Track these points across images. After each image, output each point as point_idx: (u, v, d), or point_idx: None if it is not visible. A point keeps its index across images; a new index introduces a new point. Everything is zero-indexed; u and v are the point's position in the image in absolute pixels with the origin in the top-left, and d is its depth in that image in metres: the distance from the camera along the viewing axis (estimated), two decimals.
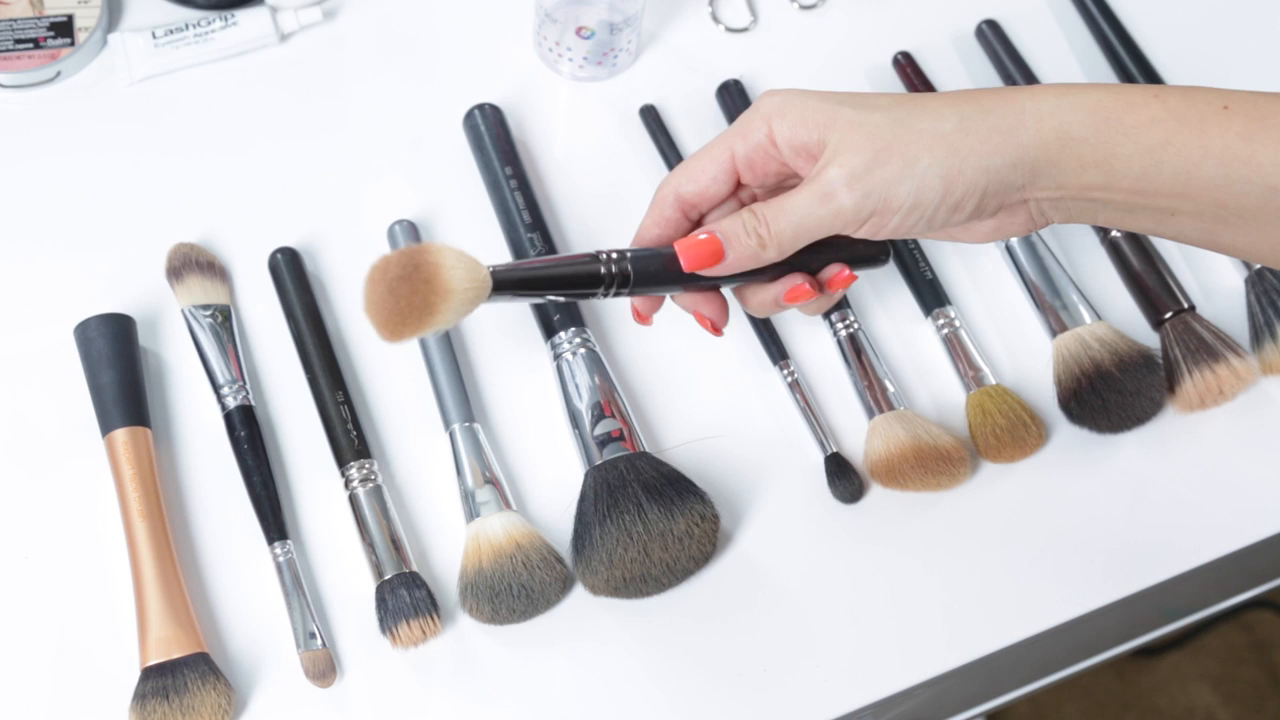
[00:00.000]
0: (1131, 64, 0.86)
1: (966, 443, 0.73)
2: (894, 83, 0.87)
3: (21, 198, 0.80)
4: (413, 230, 0.78)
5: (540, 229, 0.77)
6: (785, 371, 0.75)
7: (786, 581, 0.70)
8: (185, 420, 0.73)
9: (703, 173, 0.62)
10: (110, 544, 0.69)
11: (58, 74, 0.84)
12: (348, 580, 0.69)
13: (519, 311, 0.76)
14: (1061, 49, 0.89)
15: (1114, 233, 0.79)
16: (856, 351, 0.75)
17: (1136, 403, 0.73)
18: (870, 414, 0.73)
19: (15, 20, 0.84)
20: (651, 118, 0.84)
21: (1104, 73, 0.88)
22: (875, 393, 0.73)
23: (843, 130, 0.58)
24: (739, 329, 0.77)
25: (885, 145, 0.58)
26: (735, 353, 0.76)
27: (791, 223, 0.59)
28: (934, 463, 0.70)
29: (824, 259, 0.64)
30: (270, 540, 0.68)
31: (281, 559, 0.68)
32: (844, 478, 0.71)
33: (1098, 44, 0.89)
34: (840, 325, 0.76)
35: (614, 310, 0.78)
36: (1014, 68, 0.86)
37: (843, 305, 0.76)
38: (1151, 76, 0.86)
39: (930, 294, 0.77)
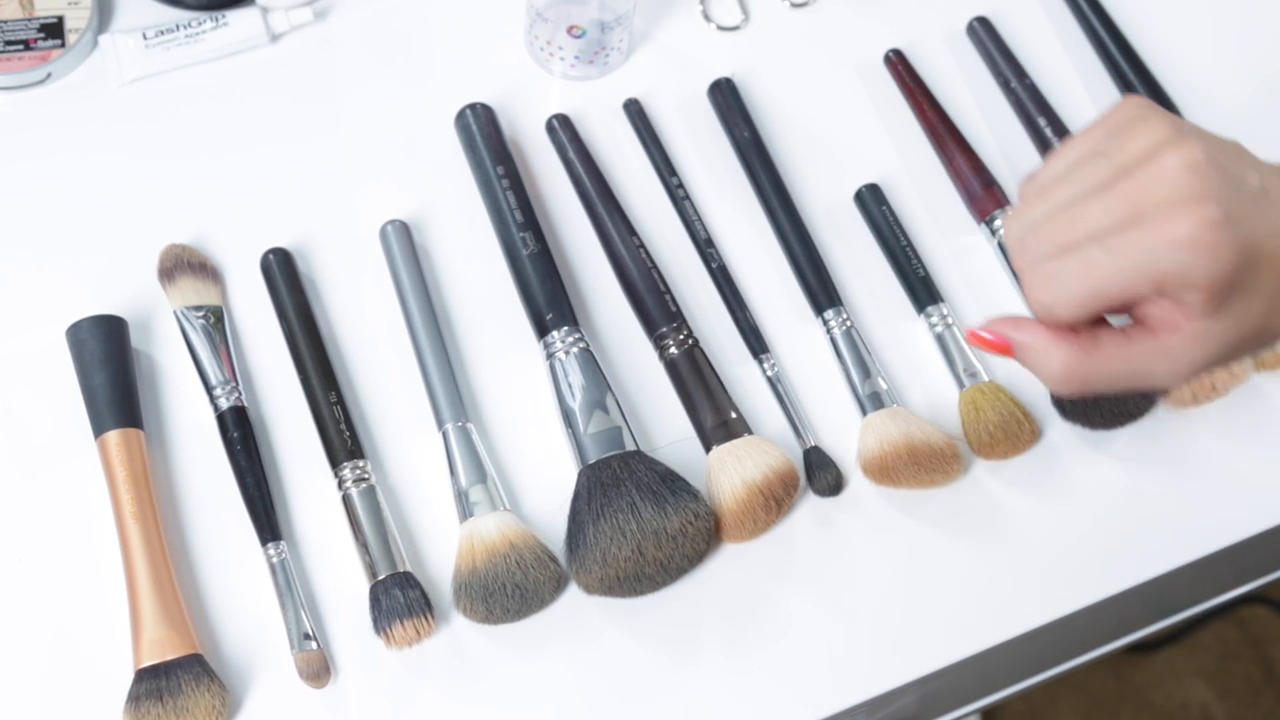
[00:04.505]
0: (1123, 60, 0.86)
1: (959, 440, 0.73)
2: (886, 80, 0.87)
3: (12, 199, 0.80)
4: (405, 230, 0.78)
5: (533, 228, 0.77)
6: (765, 365, 0.75)
7: (780, 580, 0.70)
8: (178, 422, 0.73)
9: (1102, 312, 0.54)
10: (103, 546, 0.68)
11: (48, 75, 0.84)
12: (341, 581, 0.69)
13: (512, 311, 0.76)
14: (1053, 46, 0.89)
15: None
16: (849, 349, 0.75)
17: (1129, 399, 0.73)
18: (863, 412, 0.73)
19: (5, 22, 0.84)
20: (634, 110, 0.84)
21: (1096, 69, 0.88)
22: (868, 390, 0.73)
23: (1225, 323, 0.53)
24: (723, 323, 0.77)
25: (1239, 347, 0.54)
26: (722, 348, 0.76)
27: (1110, 382, 0.55)
28: (927, 460, 0.70)
29: None
30: (264, 541, 0.68)
31: (275, 560, 0.68)
32: (821, 471, 0.71)
33: (1089, 40, 0.89)
34: (834, 322, 0.76)
35: (606, 309, 0.78)
36: (1006, 65, 0.86)
37: (836, 302, 0.76)
38: (1143, 72, 0.86)
39: (923, 291, 0.77)
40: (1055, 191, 0.55)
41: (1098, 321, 0.55)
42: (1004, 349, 0.56)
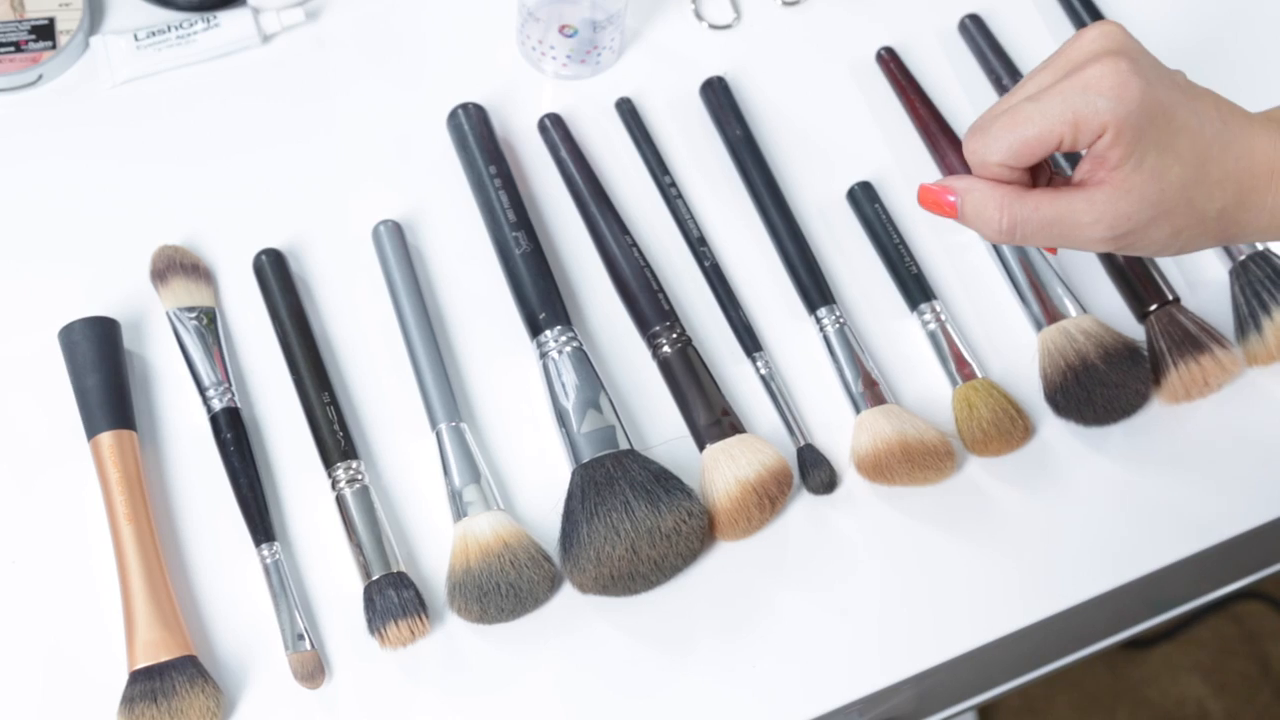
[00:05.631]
0: None
1: (953, 437, 0.73)
2: (878, 78, 0.87)
3: (3, 201, 0.80)
4: (398, 230, 0.78)
5: (525, 228, 0.77)
6: (759, 364, 0.75)
7: (774, 578, 0.70)
8: (171, 423, 0.73)
9: (1029, 158, 0.60)
10: (97, 548, 0.68)
11: (39, 77, 0.84)
12: (335, 581, 0.69)
13: (505, 311, 0.76)
14: (1046, 43, 0.89)
15: None
16: (843, 347, 0.75)
17: (1122, 395, 0.73)
18: (856, 409, 0.73)
19: None
20: (626, 109, 0.84)
21: None
22: (861, 388, 0.73)
23: (1144, 176, 0.58)
24: (716, 322, 0.77)
25: (1166, 212, 0.59)
26: (715, 347, 0.76)
27: (1042, 226, 0.60)
28: (920, 457, 0.70)
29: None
30: (257, 542, 0.68)
31: (269, 561, 0.68)
32: (815, 469, 0.71)
33: None
34: (827, 320, 0.76)
35: (599, 308, 0.78)
36: (998, 63, 0.86)
37: (829, 300, 0.76)
38: None
39: (916, 289, 0.77)
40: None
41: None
42: (950, 206, 0.62)
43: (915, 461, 0.70)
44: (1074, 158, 0.80)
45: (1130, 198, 0.59)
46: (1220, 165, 0.59)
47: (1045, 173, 0.63)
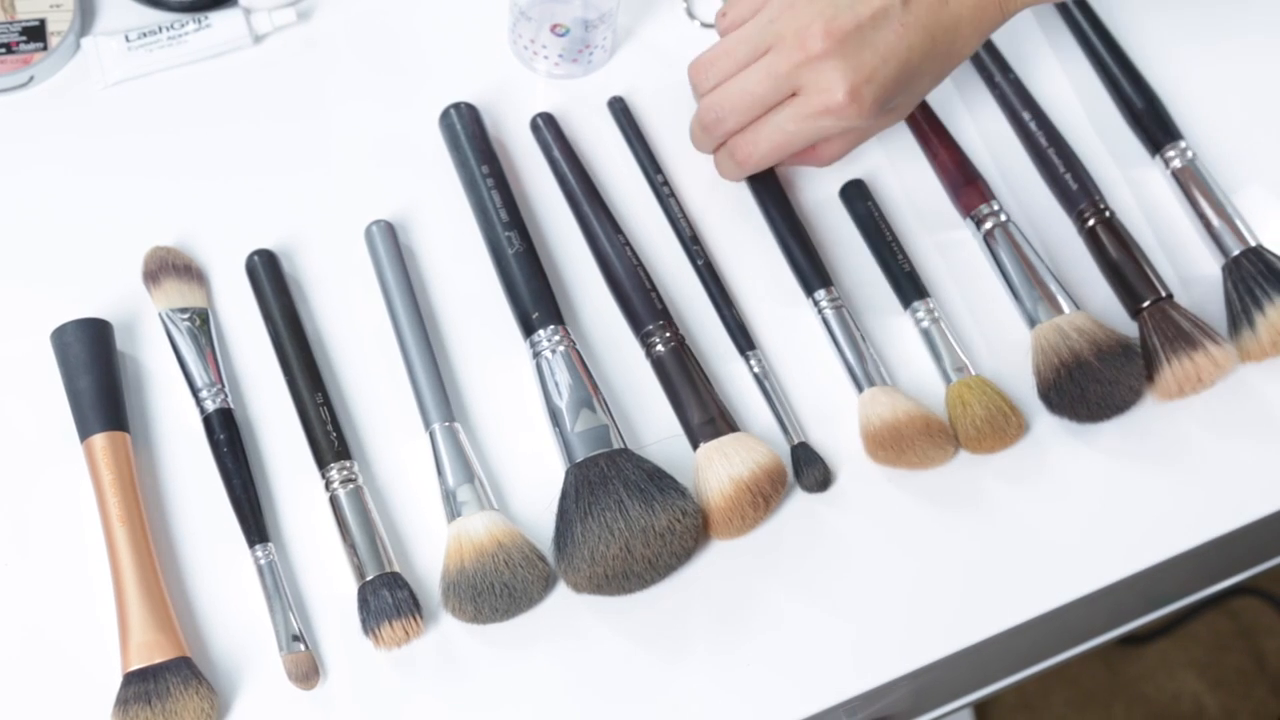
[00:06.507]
0: (1106, 53, 0.86)
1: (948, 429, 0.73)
2: None
3: None
4: (390, 230, 0.78)
5: (518, 227, 0.77)
6: (752, 362, 0.75)
7: (768, 576, 0.70)
8: (164, 424, 0.73)
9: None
10: (90, 550, 0.68)
11: (31, 79, 0.84)
12: (330, 582, 0.69)
13: (498, 311, 0.76)
14: (1037, 41, 0.89)
15: (1091, 221, 0.79)
16: (842, 328, 0.75)
17: (1115, 392, 0.73)
18: (859, 388, 0.73)
19: None
20: (619, 108, 0.84)
21: (1081, 65, 0.88)
22: (864, 368, 0.73)
23: (884, 122, 0.76)
24: (709, 320, 0.77)
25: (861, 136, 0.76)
26: (708, 345, 0.76)
27: (769, 148, 0.75)
28: (938, 434, 0.71)
29: None
30: (251, 543, 0.68)
31: (263, 561, 0.68)
32: (809, 467, 0.71)
33: (1073, 34, 0.89)
34: (825, 302, 0.76)
35: (592, 307, 0.78)
36: (990, 59, 0.86)
37: (827, 282, 0.76)
38: (1126, 66, 0.86)
39: (909, 286, 0.77)
40: (732, 51, 0.74)
41: None
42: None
43: (934, 436, 0.71)
44: None
45: (888, 119, 0.76)
46: (948, 56, 0.73)
47: None
